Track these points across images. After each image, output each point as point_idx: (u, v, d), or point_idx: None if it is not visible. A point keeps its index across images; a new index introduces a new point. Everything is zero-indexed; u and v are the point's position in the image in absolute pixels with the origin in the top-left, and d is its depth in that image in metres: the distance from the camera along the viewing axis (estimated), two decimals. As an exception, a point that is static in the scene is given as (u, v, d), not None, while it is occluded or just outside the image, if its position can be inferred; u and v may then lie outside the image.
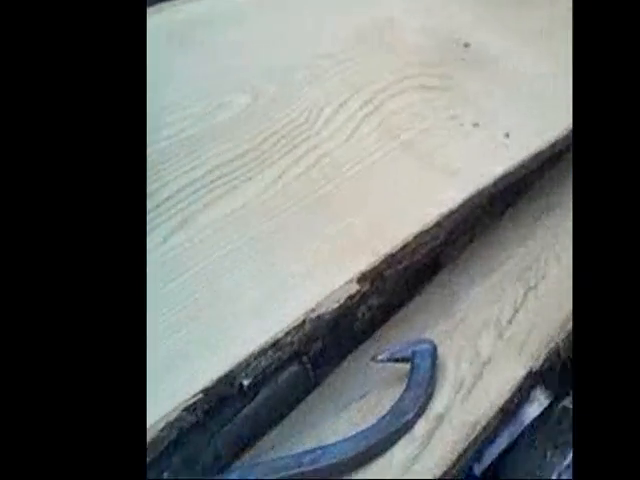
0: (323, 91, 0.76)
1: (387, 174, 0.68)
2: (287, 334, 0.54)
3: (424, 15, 0.90)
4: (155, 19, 0.80)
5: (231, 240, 0.60)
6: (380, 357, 0.58)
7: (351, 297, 0.58)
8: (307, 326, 0.55)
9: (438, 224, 0.65)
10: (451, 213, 0.65)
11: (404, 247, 0.63)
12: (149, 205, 0.60)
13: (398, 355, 0.57)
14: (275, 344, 0.53)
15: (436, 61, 0.83)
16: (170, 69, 0.74)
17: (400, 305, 0.66)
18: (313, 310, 0.56)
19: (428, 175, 0.68)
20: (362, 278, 0.60)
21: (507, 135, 0.73)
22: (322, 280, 0.58)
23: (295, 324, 0.55)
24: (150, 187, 0.61)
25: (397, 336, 0.62)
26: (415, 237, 0.63)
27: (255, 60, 0.78)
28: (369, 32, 0.86)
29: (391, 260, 0.62)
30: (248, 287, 0.57)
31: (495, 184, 0.69)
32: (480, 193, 0.68)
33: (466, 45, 0.87)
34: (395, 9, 0.90)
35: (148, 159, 0.63)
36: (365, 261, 0.60)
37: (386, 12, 0.89)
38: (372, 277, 0.61)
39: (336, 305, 0.57)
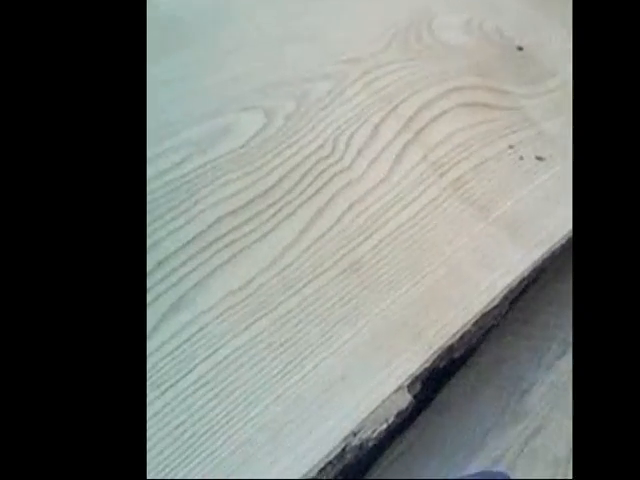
0: (352, 109, 0.60)
1: (438, 228, 0.55)
2: (321, 471, 0.39)
3: (468, 10, 0.74)
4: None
5: (237, 332, 0.47)
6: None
7: (401, 413, 0.43)
8: (348, 456, 0.40)
9: (505, 298, 0.50)
10: (521, 281, 0.50)
11: (464, 335, 0.47)
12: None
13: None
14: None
15: (486, 69, 0.68)
16: (161, 77, 0.57)
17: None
18: (354, 434, 0.41)
19: (487, 230, 0.53)
20: (414, 383, 0.44)
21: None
22: (361, 389, 0.46)
23: (332, 455, 0.39)
24: None
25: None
26: (478, 319, 0.48)
27: (269, 66, 0.61)
28: (404, 31, 0.69)
29: (448, 354, 0.46)
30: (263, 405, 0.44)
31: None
32: (551, 254, 0.52)
33: (520, 49, 0.70)
34: (434, 3, 0.72)
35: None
36: (417, 358, 0.44)
37: (424, 6, 0.72)
38: (425, 380, 0.45)
39: (384, 426, 0.42)
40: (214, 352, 0.44)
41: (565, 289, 0.59)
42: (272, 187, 0.53)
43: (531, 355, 0.56)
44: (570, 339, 0.56)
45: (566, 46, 0.73)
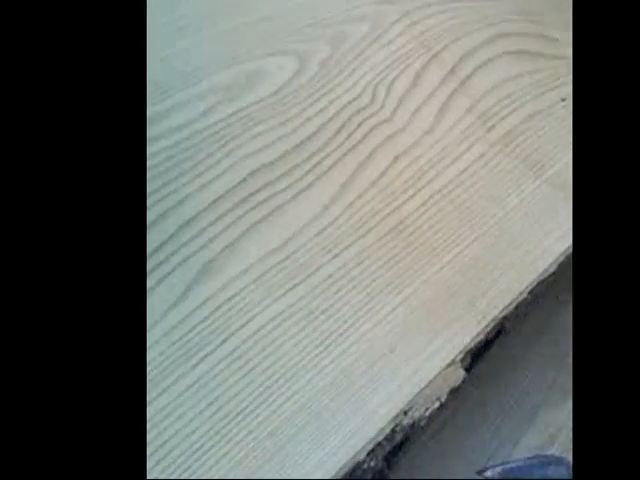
0: (391, 54, 0.55)
1: (488, 187, 0.50)
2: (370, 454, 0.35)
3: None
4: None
5: (273, 299, 0.43)
6: (489, 473, 0.39)
7: (454, 390, 0.39)
8: (398, 437, 0.36)
9: (560, 265, 0.45)
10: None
11: (519, 305, 0.43)
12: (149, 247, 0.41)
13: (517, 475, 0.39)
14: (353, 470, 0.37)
15: (530, 14, 0.62)
16: (180, 20, 0.51)
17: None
18: (405, 413, 0.37)
19: (539, 190, 0.48)
20: (466, 356, 0.40)
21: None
22: (410, 363, 0.42)
23: (380, 436, 0.35)
24: (150, 214, 0.40)
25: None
26: (533, 287, 0.44)
27: (299, 6, 0.56)
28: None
29: (500, 324, 0.42)
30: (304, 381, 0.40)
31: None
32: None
33: (568, -8, 0.64)
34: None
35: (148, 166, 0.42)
36: (470, 329, 0.40)
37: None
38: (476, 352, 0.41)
39: (437, 404, 0.38)
40: (248, 321, 0.40)
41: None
42: (308, 139, 0.48)
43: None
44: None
45: None
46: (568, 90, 0.58)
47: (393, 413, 0.39)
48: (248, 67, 0.52)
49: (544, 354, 0.50)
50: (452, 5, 0.61)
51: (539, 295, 0.46)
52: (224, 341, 0.39)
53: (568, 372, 0.48)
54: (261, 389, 0.38)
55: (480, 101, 0.55)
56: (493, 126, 0.53)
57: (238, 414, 0.37)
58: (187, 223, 0.43)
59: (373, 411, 0.39)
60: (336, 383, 0.39)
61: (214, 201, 0.44)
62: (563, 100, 0.56)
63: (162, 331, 0.39)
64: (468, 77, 0.56)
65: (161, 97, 0.48)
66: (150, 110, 0.47)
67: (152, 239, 0.42)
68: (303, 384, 0.39)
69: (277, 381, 0.39)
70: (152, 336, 0.39)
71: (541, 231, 0.48)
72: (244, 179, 0.46)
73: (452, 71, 0.56)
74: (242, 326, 0.40)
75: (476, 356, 0.43)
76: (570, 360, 0.49)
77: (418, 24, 0.59)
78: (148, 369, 0.37)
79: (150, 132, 0.46)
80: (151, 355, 0.38)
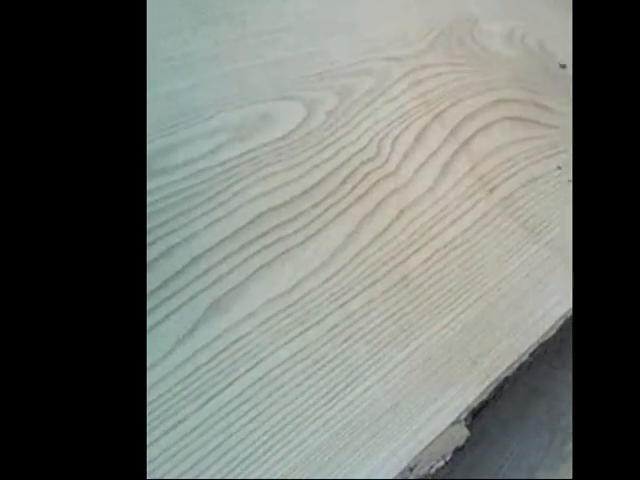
0: (395, 110, 0.57)
1: (490, 247, 0.52)
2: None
3: (511, 19, 0.71)
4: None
5: (280, 344, 0.43)
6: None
7: (458, 448, 0.39)
8: None
9: (560, 329, 0.47)
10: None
11: (521, 366, 0.44)
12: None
13: None
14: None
15: (530, 83, 0.65)
16: (188, 57, 0.52)
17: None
18: (411, 470, 0.37)
19: (540, 253, 0.50)
20: (471, 416, 0.40)
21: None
22: (416, 419, 0.42)
23: None
24: (157, 248, 0.41)
25: None
26: (535, 349, 0.45)
27: (309, 55, 0.57)
28: (448, 34, 0.66)
29: (503, 385, 0.43)
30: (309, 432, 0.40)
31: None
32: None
33: (562, 66, 0.68)
34: (478, 9, 0.70)
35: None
36: (474, 388, 0.41)
37: (468, 12, 0.69)
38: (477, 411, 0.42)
39: (442, 463, 0.38)
40: (255, 365, 0.40)
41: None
42: (315, 185, 0.49)
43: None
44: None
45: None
46: (564, 158, 0.60)
47: (398, 469, 0.39)
48: (258, 109, 0.53)
49: (539, 416, 0.50)
50: (455, 68, 0.63)
51: (537, 357, 0.47)
52: (230, 384, 0.39)
53: (563, 435, 0.49)
54: (266, 437, 0.38)
55: (480, 163, 0.56)
56: (493, 188, 0.55)
57: (243, 460, 0.37)
58: (194, 260, 0.43)
59: (378, 467, 0.39)
60: (341, 436, 0.39)
61: (222, 240, 0.44)
62: (559, 168, 0.59)
63: (167, 369, 0.38)
64: (469, 139, 0.58)
65: (169, 131, 0.49)
66: (157, 143, 0.48)
67: (158, 274, 0.42)
68: (308, 434, 0.39)
69: (282, 429, 0.39)
70: (156, 373, 0.38)
71: (541, 294, 0.49)
72: (252, 221, 0.46)
73: (453, 132, 0.58)
74: (249, 369, 0.40)
75: (475, 415, 0.44)
76: (564, 423, 0.50)
77: (422, 83, 0.61)
78: (153, 407, 0.37)
79: (158, 165, 0.46)
80: (156, 392, 0.37)
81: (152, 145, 0.47)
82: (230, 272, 0.43)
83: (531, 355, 0.46)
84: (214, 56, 0.56)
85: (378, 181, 0.52)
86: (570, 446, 0.49)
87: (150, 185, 0.45)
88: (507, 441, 0.49)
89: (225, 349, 0.40)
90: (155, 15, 0.56)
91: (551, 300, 0.49)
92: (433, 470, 0.39)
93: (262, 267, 0.44)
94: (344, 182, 0.50)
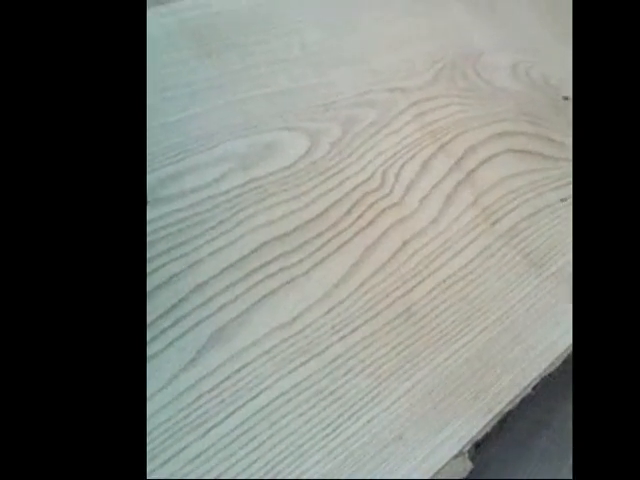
0: (400, 141, 0.58)
1: (492, 280, 0.53)
2: None
3: (515, 53, 0.73)
4: (168, 12, 0.59)
5: (283, 374, 0.44)
6: None
7: (462, 483, 0.40)
8: None
9: (565, 362, 0.47)
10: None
11: (524, 400, 0.44)
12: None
13: None
14: None
15: (534, 116, 0.66)
16: (194, 85, 0.53)
17: None
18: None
19: (542, 286, 0.50)
20: (474, 448, 0.41)
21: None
22: (419, 451, 0.43)
23: None
24: (160, 275, 0.41)
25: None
26: (537, 383, 0.45)
27: (313, 86, 0.58)
28: (452, 66, 0.67)
29: (506, 418, 0.43)
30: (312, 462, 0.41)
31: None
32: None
33: (565, 98, 0.69)
34: (482, 42, 0.71)
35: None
36: (477, 421, 0.41)
37: (471, 44, 0.71)
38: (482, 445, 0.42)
39: (445, 498, 0.38)
40: (257, 394, 0.41)
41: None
42: (320, 215, 0.50)
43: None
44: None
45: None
46: (566, 191, 0.61)
47: (402, 502, 0.39)
48: (263, 138, 0.53)
49: (543, 449, 0.51)
50: (460, 100, 0.64)
51: (540, 390, 0.48)
52: (232, 413, 0.39)
53: (568, 468, 0.49)
54: (269, 467, 0.38)
55: (484, 195, 0.57)
56: (497, 220, 0.56)
57: (244, 492, 0.37)
58: (198, 288, 0.43)
59: (381, 498, 0.39)
60: (344, 467, 0.39)
61: (225, 269, 0.45)
62: (563, 200, 0.59)
63: (170, 397, 0.39)
64: (473, 170, 0.59)
65: (174, 159, 0.49)
66: (162, 172, 0.48)
67: (161, 301, 0.42)
68: (311, 465, 0.39)
69: (285, 459, 0.39)
70: (158, 401, 0.38)
71: (544, 327, 0.49)
72: (256, 249, 0.47)
73: (458, 163, 0.59)
74: (252, 398, 0.40)
75: (478, 447, 0.44)
76: (569, 454, 0.50)
77: (426, 114, 0.62)
78: (154, 435, 0.37)
79: (162, 193, 0.47)
80: (157, 420, 0.38)
81: (156, 173, 0.48)
82: (234, 300, 0.43)
83: (533, 388, 0.47)
84: (219, 86, 0.57)
85: (382, 211, 0.52)
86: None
87: (154, 213, 0.46)
88: (511, 473, 0.49)
89: (228, 378, 0.40)
90: (160, 45, 0.57)
91: (554, 333, 0.49)
92: (436, 503, 0.39)
93: (266, 296, 0.44)
94: (348, 212, 0.51)
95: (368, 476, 0.39)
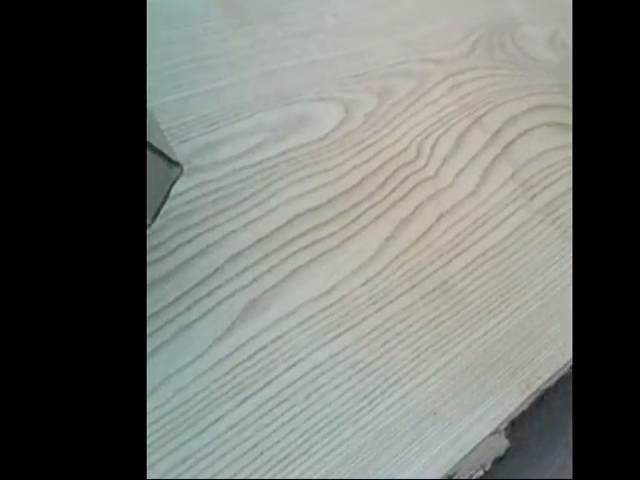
0: (435, 113, 0.57)
1: (530, 255, 0.53)
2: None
3: (551, 22, 0.71)
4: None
5: (318, 345, 0.44)
6: None
7: (498, 459, 0.40)
8: None
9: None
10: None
11: (562, 378, 0.44)
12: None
13: None
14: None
15: (571, 89, 0.64)
16: (227, 57, 0.53)
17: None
18: (450, 478, 0.37)
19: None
20: (511, 426, 0.41)
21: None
22: (455, 427, 0.43)
23: None
24: (193, 247, 0.41)
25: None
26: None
27: (347, 56, 0.58)
28: (488, 37, 0.66)
29: (544, 396, 0.43)
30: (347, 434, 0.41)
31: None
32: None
33: (606, 72, 0.68)
34: (520, 12, 0.70)
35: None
36: (514, 398, 0.41)
37: (509, 15, 0.70)
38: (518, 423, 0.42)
39: (481, 472, 0.38)
40: (293, 365, 0.41)
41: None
42: (354, 187, 0.50)
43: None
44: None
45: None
46: (607, 168, 0.60)
47: (438, 477, 0.39)
48: (296, 109, 0.53)
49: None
50: (496, 71, 0.64)
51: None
52: (268, 383, 0.40)
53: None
54: (304, 438, 0.39)
55: (522, 169, 0.57)
56: (535, 195, 0.55)
57: (280, 461, 0.37)
58: (232, 259, 0.44)
59: (418, 473, 0.39)
60: (379, 441, 0.40)
61: (259, 240, 0.45)
62: (603, 177, 0.59)
63: (205, 366, 0.39)
64: (510, 144, 0.58)
65: (209, 129, 0.49)
66: (197, 141, 0.49)
67: (196, 272, 0.42)
68: (346, 438, 0.39)
69: (320, 431, 0.39)
70: (194, 370, 0.39)
71: (583, 305, 0.49)
72: (289, 221, 0.47)
73: (495, 136, 0.58)
74: (287, 369, 0.40)
75: (513, 424, 0.44)
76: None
77: (461, 87, 0.62)
78: (190, 404, 0.38)
79: (197, 163, 0.47)
80: (193, 390, 0.38)
81: (191, 142, 0.48)
82: (268, 272, 0.44)
83: (572, 367, 0.46)
84: (253, 55, 0.57)
85: (417, 184, 0.52)
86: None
87: (189, 183, 0.46)
88: (547, 452, 0.49)
89: (263, 348, 0.41)
90: (196, 14, 0.57)
91: (594, 310, 0.49)
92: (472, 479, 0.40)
93: (300, 268, 0.45)
94: (383, 185, 0.51)
95: (402, 452, 0.39)
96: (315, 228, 0.47)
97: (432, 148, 0.56)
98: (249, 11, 0.61)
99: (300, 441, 0.38)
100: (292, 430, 0.39)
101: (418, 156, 0.54)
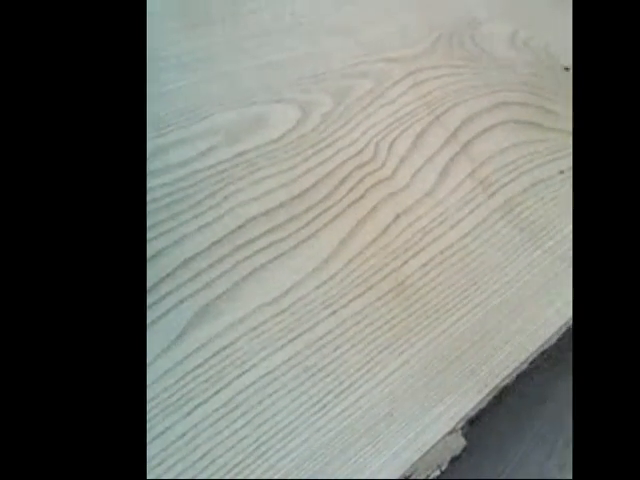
0: (393, 112, 0.57)
1: (489, 253, 0.52)
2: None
3: (514, 23, 0.72)
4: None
5: (271, 351, 0.44)
6: None
7: (455, 458, 0.39)
8: None
9: (561, 337, 0.47)
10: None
11: (520, 375, 0.44)
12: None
13: None
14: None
15: (533, 86, 0.65)
16: (183, 58, 0.53)
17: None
18: (407, 479, 0.37)
19: (541, 259, 0.50)
20: (468, 425, 0.41)
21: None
22: (411, 428, 0.42)
23: None
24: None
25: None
26: (535, 358, 0.45)
27: (304, 57, 0.58)
28: (449, 36, 0.66)
29: (503, 394, 0.43)
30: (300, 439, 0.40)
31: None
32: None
33: (566, 69, 0.68)
34: (480, 11, 0.70)
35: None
36: (471, 397, 0.41)
37: (470, 14, 0.70)
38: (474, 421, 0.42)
39: (437, 472, 0.38)
40: (245, 372, 0.41)
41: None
42: (309, 189, 0.50)
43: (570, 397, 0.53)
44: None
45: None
46: (566, 163, 0.60)
47: (395, 477, 0.39)
48: (252, 111, 0.53)
49: (538, 425, 0.51)
50: (456, 70, 0.64)
51: (537, 366, 0.48)
52: (219, 391, 0.39)
53: (563, 444, 0.49)
54: (256, 444, 0.38)
55: (481, 167, 0.57)
56: (494, 193, 0.55)
57: (231, 469, 0.37)
58: (184, 264, 0.43)
59: (373, 474, 0.39)
60: (334, 444, 0.39)
61: (213, 244, 0.45)
62: (561, 172, 0.59)
63: (154, 375, 0.39)
64: (469, 142, 0.58)
65: (161, 132, 0.49)
66: (149, 144, 0.48)
67: (147, 277, 0.42)
68: (299, 443, 0.39)
69: (273, 437, 0.39)
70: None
71: (541, 301, 0.49)
72: (243, 225, 0.46)
73: (454, 135, 0.58)
74: (238, 376, 0.40)
75: (471, 423, 0.44)
76: (565, 431, 0.50)
77: (421, 85, 0.61)
78: (139, 414, 0.37)
79: (148, 167, 0.47)
80: (143, 400, 0.38)
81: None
82: (221, 276, 0.43)
83: (531, 363, 0.47)
84: (208, 57, 0.56)
85: (374, 185, 0.52)
86: (570, 453, 0.49)
87: (139, 187, 0.45)
88: (505, 450, 0.50)
89: (214, 355, 0.40)
90: (152, 15, 0.57)
91: (551, 307, 0.49)
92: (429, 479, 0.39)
93: (253, 272, 0.44)
94: (339, 186, 0.51)
95: (358, 454, 0.39)
96: (269, 231, 0.47)
97: (390, 148, 0.55)
98: (207, 12, 0.60)
99: (253, 447, 0.38)
100: (245, 437, 0.39)
101: (375, 156, 0.54)
